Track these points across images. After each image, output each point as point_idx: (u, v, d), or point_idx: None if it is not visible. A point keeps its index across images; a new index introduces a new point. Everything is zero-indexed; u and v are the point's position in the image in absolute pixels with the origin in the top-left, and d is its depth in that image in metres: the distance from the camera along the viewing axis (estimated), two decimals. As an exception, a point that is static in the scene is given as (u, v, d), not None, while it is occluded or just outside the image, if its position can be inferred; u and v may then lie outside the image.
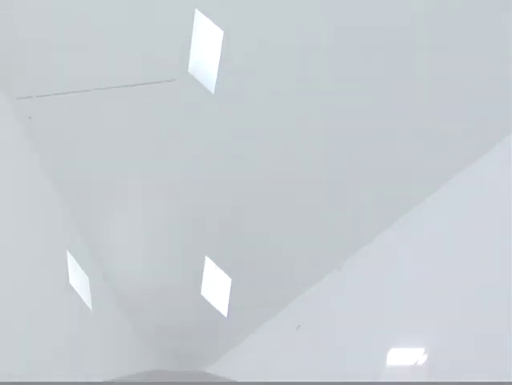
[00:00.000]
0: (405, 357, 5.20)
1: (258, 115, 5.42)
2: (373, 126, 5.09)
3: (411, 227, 5.20)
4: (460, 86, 4.72)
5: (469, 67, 4.67)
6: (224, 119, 5.55)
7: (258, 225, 5.95)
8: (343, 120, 5.21)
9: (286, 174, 5.58)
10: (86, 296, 6.35)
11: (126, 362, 6.70)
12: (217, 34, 5.28)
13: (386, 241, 5.36)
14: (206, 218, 6.07)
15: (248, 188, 5.79)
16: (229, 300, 6.36)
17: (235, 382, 5.15)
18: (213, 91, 5.45)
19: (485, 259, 4.72)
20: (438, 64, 4.72)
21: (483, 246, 4.76)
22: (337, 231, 5.64)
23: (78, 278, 6.29)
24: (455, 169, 4.90)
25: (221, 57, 5.30)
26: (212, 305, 6.49)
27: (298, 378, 5.70)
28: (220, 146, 5.67)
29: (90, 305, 6.37)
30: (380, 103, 4.99)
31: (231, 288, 6.29)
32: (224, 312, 6.46)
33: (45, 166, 5.95)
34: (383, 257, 5.42)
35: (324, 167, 5.44)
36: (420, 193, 5.11)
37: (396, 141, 5.06)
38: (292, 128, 5.35)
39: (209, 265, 6.36)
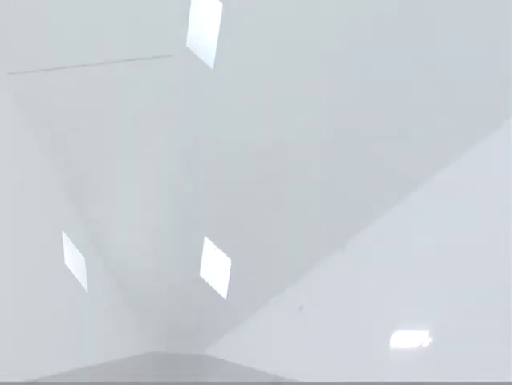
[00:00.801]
0: (409, 340, 5.14)
1: (259, 90, 5.30)
2: (373, 106, 5.02)
3: (414, 208, 5.12)
4: (456, 71, 4.70)
5: (466, 52, 4.62)
6: (224, 95, 5.43)
7: (258, 205, 5.86)
8: (345, 98, 5.11)
9: (287, 152, 5.47)
10: (82, 277, 6.31)
11: (124, 345, 6.67)
12: (216, 6, 5.17)
13: (390, 222, 5.27)
14: (205, 198, 5.98)
15: (248, 167, 5.69)
16: (229, 281, 6.32)
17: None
18: (212, 66, 5.36)
19: (490, 239, 4.62)
20: (435, 46, 4.66)
21: (487, 227, 4.65)
22: (340, 211, 5.55)
23: (73, 259, 6.24)
24: (458, 151, 4.83)
25: (220, 31, 5.21)
26: (211, 287, 6.45)
27: (300, 362, 5.63)
28: (219, 123, 5.56)
29: (86, 287, 6.33)
30: (384, 81, 4.90)
31: (231, 269, 6.25)
32: (223, 294, 6.42)
33: (38, 142, 5.88)
34: (387, 237, 5.32)
35: (327, 145, 5.33)
36: (423, 175, 5.03)
37: (398, 123, 5.00)
38: (294, 103, 5.23)
39: (209, 246, 6.31)
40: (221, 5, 5.15)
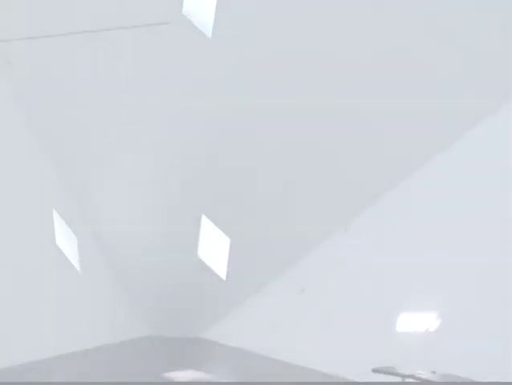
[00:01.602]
0: (416, 323, 5.04)
1: (258, 60, 5.11)
2: (382, 91, 4.91)
3: (416, 189, 5.08)
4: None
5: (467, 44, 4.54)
6: (222, 66, 5.23)
7: (259, 182, 5.70)
8: (346, 75, 4.97)
9: (288, 126, 5.29)
10: (74, 257, 6.15)
11: (119, 328, 6.50)
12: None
13: (392, 202, 5.23)
14: (203, 173, 5.80)
15: (248, 141, 5.51)
16: (228, 262, 6.24)
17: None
18: (210, 35, 5.18)
19: (496, 221, 4.53)
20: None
21: (491, 209, 4.57)
22: (342, 191, 5.45)
23: (65, 238, 6.09)
24: (461, 131, 4.78)
25: (218, 0, 5.02)
26: (209, 268, 6.37)
27: (301, 347, 5.48)
28: (218, 95, 5.35)
29: (78, 267, 6.18)
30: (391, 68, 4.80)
31: (230, 249, 6.16)
32: (222, 275, 6.34)
33: (26, 116, 5.70)
34: (389, 217, 5.26)
35: (329, 123, 5.17)
36: (425, 157, 5.00)
37: (402, 106, 4.91)
38: (293, 74, 5.05)
39: (207, 225, 6.22)
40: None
